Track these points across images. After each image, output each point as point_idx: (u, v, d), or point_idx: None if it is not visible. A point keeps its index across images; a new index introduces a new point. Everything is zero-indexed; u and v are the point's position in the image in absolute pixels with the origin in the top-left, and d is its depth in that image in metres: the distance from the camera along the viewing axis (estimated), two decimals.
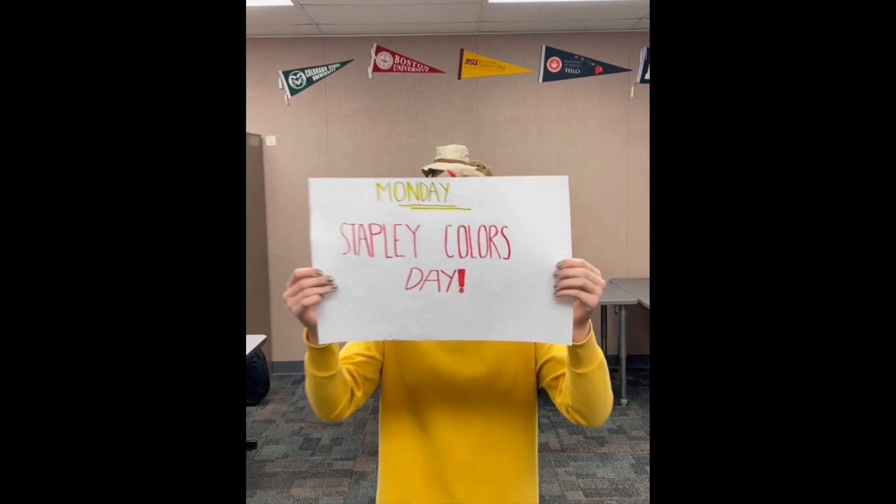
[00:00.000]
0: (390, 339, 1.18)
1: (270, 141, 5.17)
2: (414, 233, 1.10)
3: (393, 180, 1.09)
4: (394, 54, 5.11)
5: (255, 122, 5.12)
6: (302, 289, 1.10)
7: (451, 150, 1.52)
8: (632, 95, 5.13)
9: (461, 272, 1.11)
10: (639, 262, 5.28)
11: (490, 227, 1.09)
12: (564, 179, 1.07)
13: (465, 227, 1.09)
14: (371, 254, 1.11)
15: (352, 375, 1.30)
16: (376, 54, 5.10)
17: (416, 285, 1.12)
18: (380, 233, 1.10)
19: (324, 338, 1.14)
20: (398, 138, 5.17)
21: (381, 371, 1.36)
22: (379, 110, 5.16)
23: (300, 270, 1.10)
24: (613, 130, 5.18)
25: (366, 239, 1.10)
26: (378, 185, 1.09)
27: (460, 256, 1.10)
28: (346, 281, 1.12)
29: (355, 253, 1.11)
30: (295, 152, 5.18)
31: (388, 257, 1.11)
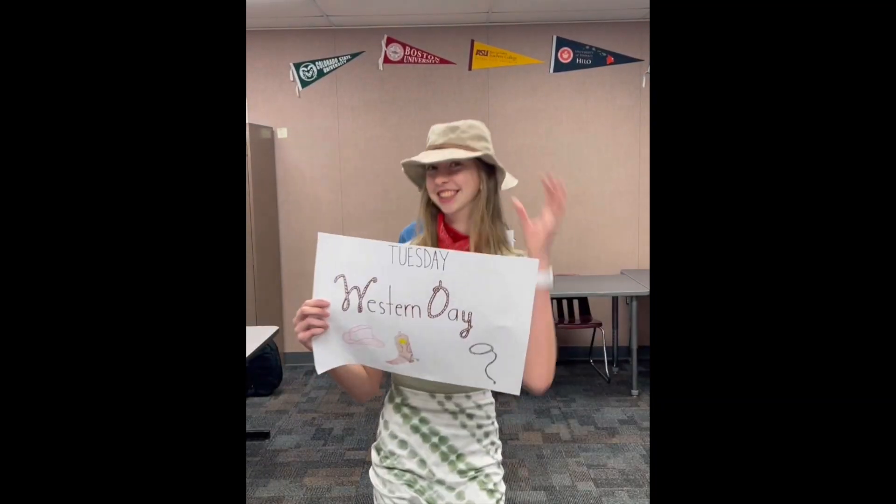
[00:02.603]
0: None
1: (282, 133, 5.19)
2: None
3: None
4: (404, 46, 5.10)
5: (266, 115, 5.13)
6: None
7: (440, 132, 1.40)
8: (643, 86, 5.10)
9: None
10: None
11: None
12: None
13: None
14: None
15: None
16: (387, 46, 5.10)
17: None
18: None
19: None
20: (409, 130, 5.17)
21: None
22: (389, 102, 5.16)
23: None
24: (625, 121, 5.15)
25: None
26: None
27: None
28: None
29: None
30: (306, 144, 5.20)
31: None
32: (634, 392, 4.51)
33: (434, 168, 1.43)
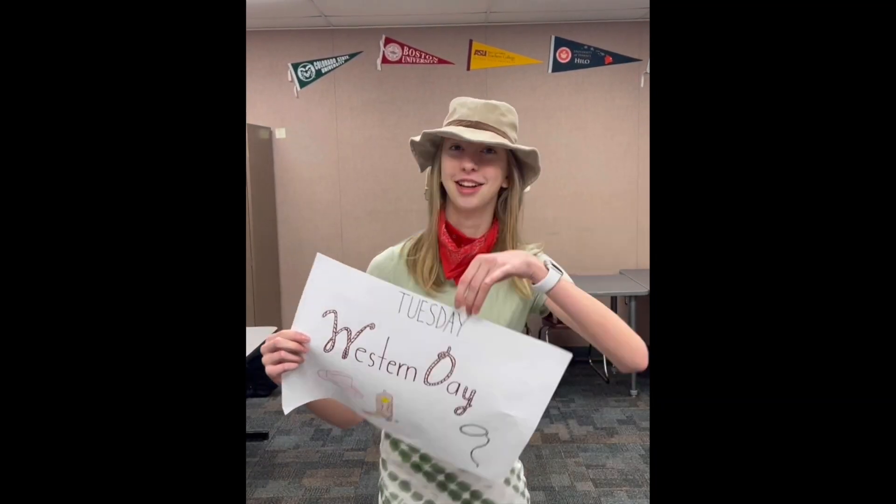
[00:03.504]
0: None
1: (280, 133, 5.18)
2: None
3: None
4: (402, 46, 5.10)
5: (264, 115, 5.13)
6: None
7: (474, 107, 1.18)
8: (641, 85, 5.10)
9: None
10: (649, 254, 5.26)
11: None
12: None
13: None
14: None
15: None
16: (385, 46, 5.10)
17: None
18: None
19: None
20: (407, 130, 5.16)
21: None
22: (388, 102, 5.15)
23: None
24: (623, 121, 5.15)
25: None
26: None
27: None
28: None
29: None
30: (305, 144, 5.19)
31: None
32: (633, 392, 4.51)
33: (459, 148, 1.20)
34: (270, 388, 4.72)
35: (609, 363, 5.03)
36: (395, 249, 1.32)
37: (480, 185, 1.19)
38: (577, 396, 4.52)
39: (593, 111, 5.16)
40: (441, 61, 5.12)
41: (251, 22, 4.78)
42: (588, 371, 5.06)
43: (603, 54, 5.10)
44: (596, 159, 5.19)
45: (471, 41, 5.10)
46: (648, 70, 5.08)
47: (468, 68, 5.12)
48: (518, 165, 1.25)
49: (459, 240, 1.24)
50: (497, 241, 1.25)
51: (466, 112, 1.21)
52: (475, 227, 1.24)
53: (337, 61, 5.13)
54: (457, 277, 1.20)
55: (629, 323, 4.45)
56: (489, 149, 1.20)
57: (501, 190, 1.25)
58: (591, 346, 4.99)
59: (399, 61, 5.12)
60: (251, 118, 5.02)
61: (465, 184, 1.19)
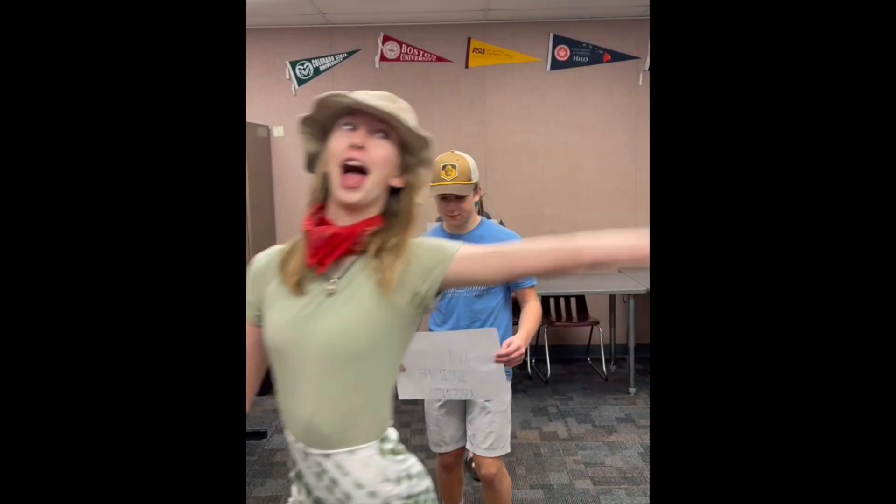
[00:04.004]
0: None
1: (278, 131, 5.17)
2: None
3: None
4: (401, 43, 5.09)
5: (262, 113, 5.12)
6: None
7: (382, 96, 1.14)
8: (640, 83, 5.10)
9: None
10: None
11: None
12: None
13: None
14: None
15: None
16: (383, 44, 5.09)
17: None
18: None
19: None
20: None
21: None
22: None
23: None
24: (622, 118, 5.15)
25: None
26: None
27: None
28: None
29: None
30: None
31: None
32: (632, 390, 4.51)
33: (351, 127, 1.14)
34: (268, 386, 4.70)
35: (608, 361, 5.03)
36: (278, 248, 1.28)
37: (365, 176, 1.12)
38: (576, 394, 4.52)
39: (591, 109, 5.15)
40: (439, 59, 5.11)
41: (249, 20, 4.77)
42: (586, 369, 5.06)
43: (601, 52, 5.09)
44: (594, 157, 5.18)
45: (469, 39, 5.09)
46: (647, 68, 5.07)
47: (466, 66, 5.11)
48: (408, 163, 1.18)
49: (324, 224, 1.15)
50: (366, 234, 1.14)
51: (363, 96, 1.12)
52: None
53: (335, 59, 5.12)
54: (318, 264, 1.15)
55: (627, 321, 4.46)
56: (384, 132, 1.13)
57: (393, 191, 1.19)
58: (589, 344, 4.92)
59: (397, 59, 5.11)
60: (249, 116, 5.02)
61: (352, 163, 1.11)
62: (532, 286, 2.30)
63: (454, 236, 2.20)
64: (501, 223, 3.50)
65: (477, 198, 2.31)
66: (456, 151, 2.24)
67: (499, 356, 2.05)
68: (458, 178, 2.16)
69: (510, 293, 2.36)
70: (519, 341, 2.08)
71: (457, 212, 2.19)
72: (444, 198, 2.18)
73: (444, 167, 2.17)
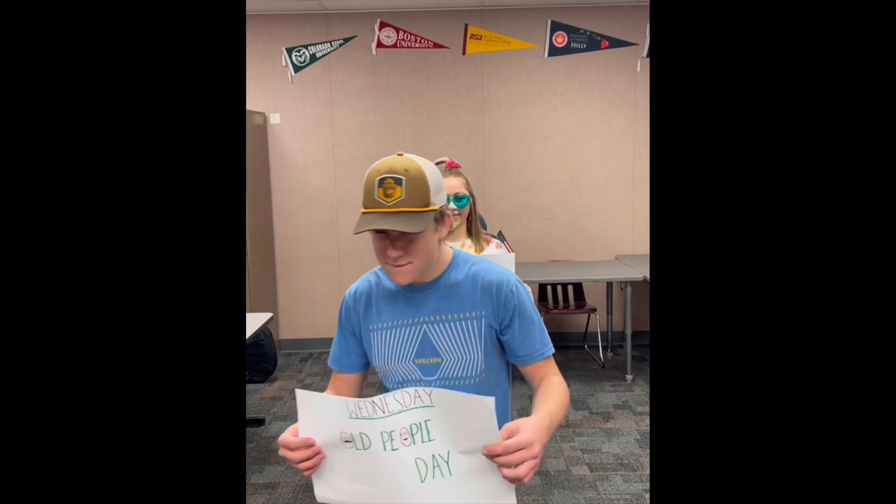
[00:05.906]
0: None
1: (275, 119, 5.15)
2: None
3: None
4: (397, 30, 5.06)
5: (258, 100, 5.09)
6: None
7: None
8: (638, 70, 5.08)
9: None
10: (645, 238, 5.26)
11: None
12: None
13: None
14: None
15: None
16: (380, 30, 5.06)
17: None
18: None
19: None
20: (402, 115, 5.14)
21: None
22: (383, 87, 5.12)
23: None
24: (620, 105, 5.13)
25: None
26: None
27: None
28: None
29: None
30: (299, 130, 5.16)
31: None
32: (629, 377, 4.53)
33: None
34: (266, 374, 4.72)
35: (605, 348, 5.05)
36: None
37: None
38: (573, 381, 4.53)
39: (589, 95, 5.13)
40: (436, 45, 5.08)
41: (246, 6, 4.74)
42: (583, 356, 5.07)
43: (599, 38, 5.07)
44: (592, 144, 5.17)
45: (466, 25, 5.06)
46: (645, 54, 5.05)
47: (464, 53, 5.09)
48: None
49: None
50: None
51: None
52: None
53: (331, 46, 5.09)
54: None
55: (624, 308, 4.47)
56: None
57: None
58: (586, 331, 4.94)
59: (394, 46, 5.09)
60: (246, 104, 4.99)
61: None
62: (549, 356, 1.48)
63: (406, 288, 1.35)
64: (500, 234, 3.32)
65: (453, 226, 1.89)
66: (407, 154, 1.28)
67: (489, 450, 1.09)
68: (404, 201, 1.22)
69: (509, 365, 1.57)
70: (530, 431, 1.11)
71: (404, 260, 1.26)
72: (383, 234, 1.25)
73: (381, 182, 1.22)
